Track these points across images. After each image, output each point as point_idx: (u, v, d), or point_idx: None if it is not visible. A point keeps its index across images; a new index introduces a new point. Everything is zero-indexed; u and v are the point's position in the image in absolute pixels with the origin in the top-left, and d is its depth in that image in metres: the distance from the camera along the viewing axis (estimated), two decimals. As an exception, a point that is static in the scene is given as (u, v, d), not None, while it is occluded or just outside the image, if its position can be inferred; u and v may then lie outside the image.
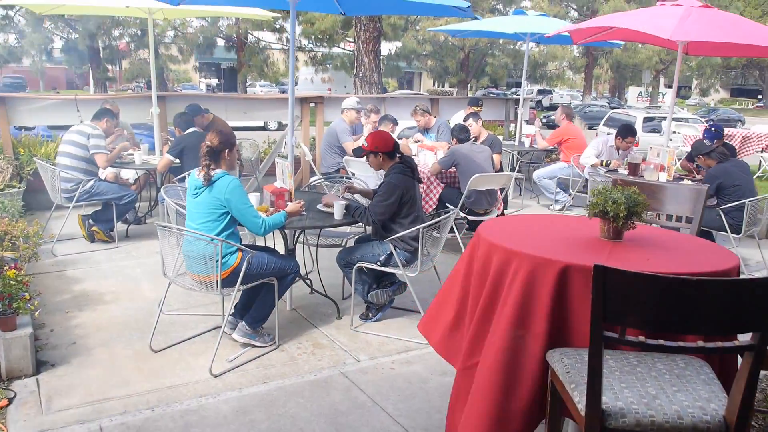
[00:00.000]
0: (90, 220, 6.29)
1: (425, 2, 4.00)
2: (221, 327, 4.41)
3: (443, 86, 45.03)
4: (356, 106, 7.13)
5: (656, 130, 18.05)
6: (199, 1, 5.26)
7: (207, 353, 4.07)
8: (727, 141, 7.79)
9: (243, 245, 3.96)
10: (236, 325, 4.20)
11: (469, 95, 34.17)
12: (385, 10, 4.76)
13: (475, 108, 8.53)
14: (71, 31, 25.84)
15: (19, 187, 6.67)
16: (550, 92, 43.75)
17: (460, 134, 6.22)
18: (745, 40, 5.88)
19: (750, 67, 51.27)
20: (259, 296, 4.19)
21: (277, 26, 30.26)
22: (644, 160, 6.85)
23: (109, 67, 30.86)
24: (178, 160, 6.14)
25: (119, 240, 6.38)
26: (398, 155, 4.61)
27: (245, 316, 4.15)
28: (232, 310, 4.28)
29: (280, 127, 20.76)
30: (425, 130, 7.86)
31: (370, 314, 4.70)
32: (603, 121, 18.70)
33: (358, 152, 4.65)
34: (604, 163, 7.20)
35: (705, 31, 5.94)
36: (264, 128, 21.08)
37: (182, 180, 6.18)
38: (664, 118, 18.70)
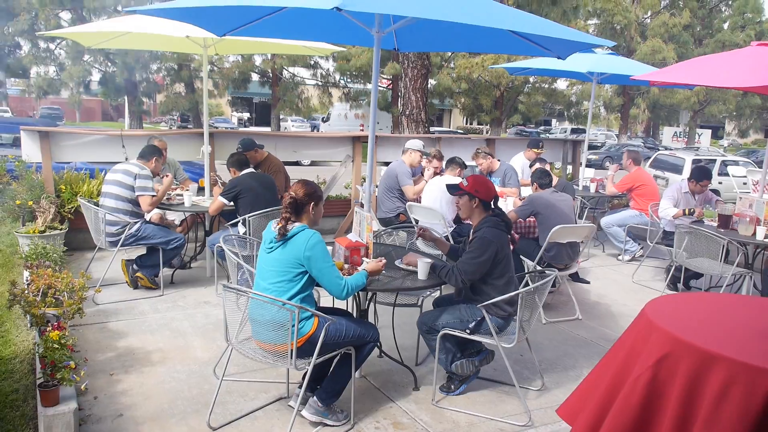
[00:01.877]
0: (134, 266, 5.83)
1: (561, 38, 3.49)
2: (285, 397, 3.91)
3: (478, 124, 44.67)
4: (421, 148, 6.64)
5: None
6: (261, 34, 4.82)
7: (273, 433, 3.52)
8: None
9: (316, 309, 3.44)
10: (304, 398, 3.65)
11: (503, 134, 33.76)
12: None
13: (536, 150, 8.01)
14: (110, 63, 26.00)
15: (61, 229, 6.24)
16: (583, 131, 43.14)
17: (542, 179, 5.67)
18: None
19: (787, 109, 50.20)
20: (333, 367, 3.65)
21: (312, 62, 30.31)
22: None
23: (145, 100, 31.05)
24: (232, 203, 5.68)
25: (164, 287, 5.90)
26: (495, 207, 4.08)
27: (318, 391, 3.60)
28: (301, 382, 3.75)
29: (312, 163, 20.35)
30: (489, 174, 7.33)
31: (453, 386, 4.12)
32: (649, 163, 18.07)
33: (452, 189, 4.13)
34: (687, 212, 6.59)
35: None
36: (297, 164, 20.75)
37: (234, 225, 5.73)
38: (712, 161, 18.04)
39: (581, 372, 4.57)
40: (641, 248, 8.03)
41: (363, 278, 3.51)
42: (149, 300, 5.65)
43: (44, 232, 6.01)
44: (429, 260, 3.91)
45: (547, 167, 6.65)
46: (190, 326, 5.09)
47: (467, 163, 7.71)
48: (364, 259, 3.85)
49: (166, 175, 6.17)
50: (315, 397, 3.57)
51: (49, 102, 39.11)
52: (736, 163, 18.58)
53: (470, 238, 4.01)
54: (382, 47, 4.30)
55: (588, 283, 6.74)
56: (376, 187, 6.99)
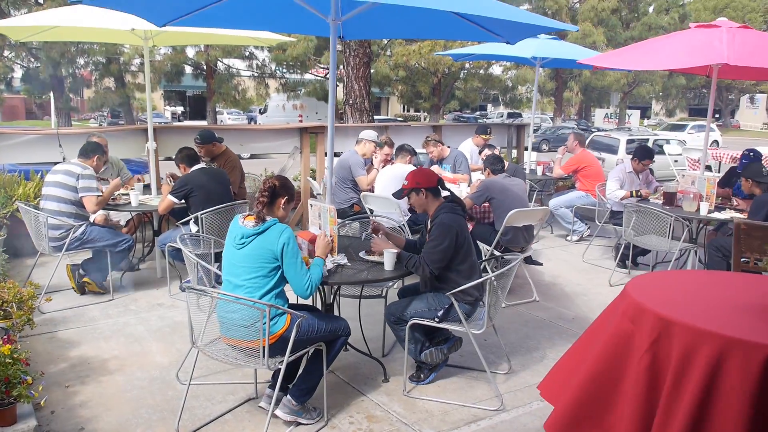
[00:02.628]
0: (81, 270, 5.57)
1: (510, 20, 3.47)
2: (254, 398, 3.82)
3: (415, 111, 44.86)
4: (375, 139, 6.58)
5: (637, 152, 17.89)
6: (204, 24, 4.64)
7: (245, 436, 3.43)
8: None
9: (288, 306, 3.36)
10: (272, 398, 3.56)
11: (441, 120, 34.01)
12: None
13: (484, 136, 8.08)
14: (32, 59, 24.80)
15: (1, 235, 5.90)
16: (519, 115, 43.93)
17: (495, 165, 5.71)
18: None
19: (708, 87, 52.51)
20: (305, 364, 3.58)
21: (247, 53, 29.72)
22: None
23: (72, 96, 29.79)
24: (183, 202, 5.49)
25: (113, 291, 5.66)
26: (445, 192, 4.07)
27: (291, 389, 3.52)
28: (271, 381, 3.67)
29: (252, 157, 19.94)
30: (439, 161, 7.35)
31: (422, 375, 4.10)
32: (585, 145, 18.55)
33: (398, 194, 4.09)
34: (634, 193, 6.77)
35: (751, 54, 5.60)
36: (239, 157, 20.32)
37: (185, 224, 5.54)
38: (645, 140, 18.68)
39: (545, 353, 4.64)
40: (588, 228, 8.23)
41: (321, 267, 3.44)
42: (99, 305, 5.42)
43: (-19, 239, 5.67)
44: (395, 250, 3.86)
45: (497, 152, 6.70)
46: (146, 330, 4.90)
47: (417, 150, 7.71)
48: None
49: (107, 179, 5.92)
50: (288, 396, 3.49)
51: (-34, 101, 37.06)
52: (667, 141, 19.29)
53: (429, 227, 3.99)
54: (325, 35, 4.21)
55: (541, 264, 6.86)
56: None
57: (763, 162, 6.62)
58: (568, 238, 8.20)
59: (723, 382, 1.75)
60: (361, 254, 4.09)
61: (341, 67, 12.09)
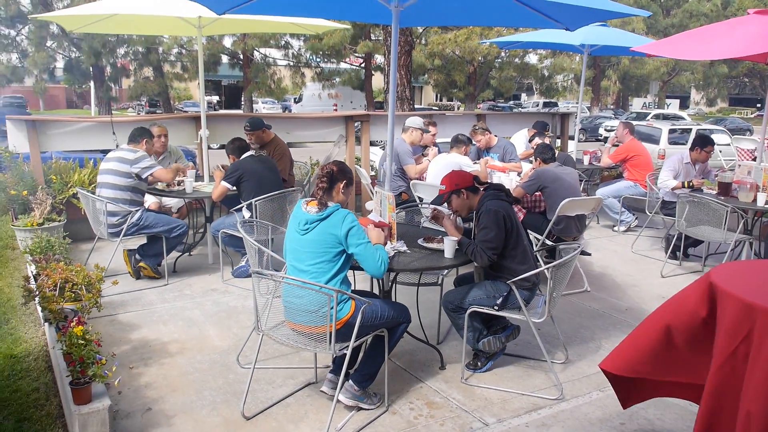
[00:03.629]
0: (137, 255, 5.69)
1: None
2: (314, 383, 3.87)
3: (449, 100, 44.62)
4: (422, 126, 6.57)
5: (678, 143, 17.55)
6: (261, 11, 4.67)
7: (307, 419, 3.48)
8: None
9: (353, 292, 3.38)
10: (334, 382, 3.61)
11: (476, 109, 33.75)
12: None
13: (546, 134, 7.96)
14: (74, 49, 25.25)
15: (59, 220, 6.05)
16: (555, 104, 43.39)
17: (545, 154, 5.65)
18: None
19: (750, 76, 51.16)
20: (367, 350, 3.61)
21: (283, 43, 29.86)
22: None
23: (111, 86, 30.29)
24: (235, 188, 5.56)
25: (168, 276, 5.77)
26: (482, 185, 4.07)
27: (353, 375, 3.55)
28: (332, 366, 3.71)
29: (290, 145, 20.10)
30: (486, 151, 7.30)
31: (479, 363, 4.10)
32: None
33: (437, 201, 4.08)
34: (686, 184, 6.64)
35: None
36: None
37: (239, 210, 5.61)
38: (688, 130, 18.28)
39: (600, 343, 4.60)
40: (636, 219, 8.11)
41: (384, 250, 3.46)
42: (155, 290, 5.53)
43: (43, 224, 5.82)
44: (455, 238, 3.86)
45: (548, 141, 6.63)
46: (202, 315, 4.99)
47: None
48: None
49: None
50: (351, 381, 3.52)
51: (10, 91, 37.95)
52: (711, 132, 18.85)
53: (476, 218, 3.98)
54: (386, 23, 4.19)
55: (590, 255, 6.78)
56: (372, 170, 6.91)
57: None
58: (615, 228, 8.10)
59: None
60: (420, 242, 4.09)
61: (380, 55, 12.11)
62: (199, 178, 6.42)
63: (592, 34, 7.73)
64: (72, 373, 3.14)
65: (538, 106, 43.04)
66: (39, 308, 3.97)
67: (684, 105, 54.24)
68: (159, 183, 5.92)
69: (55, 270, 3.84)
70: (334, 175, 3.42)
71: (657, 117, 28.93)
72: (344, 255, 3.31)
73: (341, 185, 3.43)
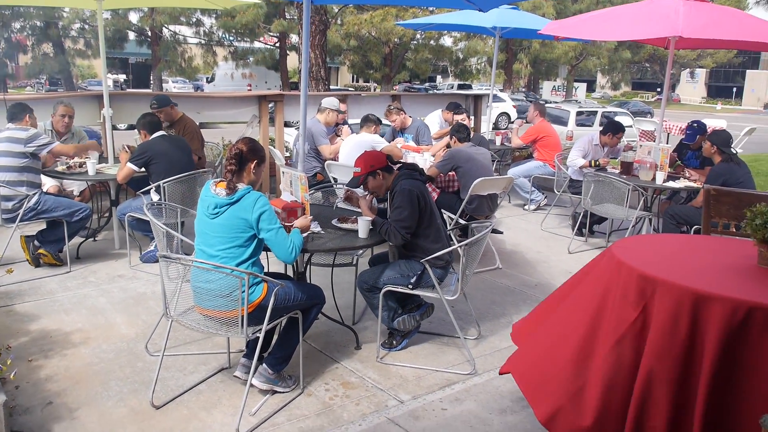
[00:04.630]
0: (35, 242, 5.36)
1: None
2: (227, 368, 3.79)
3: (365, 81, 44.54)
4: (337, 107, 6.50)
5: (585, 124, 18.30)
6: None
7: (221, 405, 3.41)
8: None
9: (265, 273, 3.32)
10: (248, 366, 3.54)
11: (393, 90, 33.85)
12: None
13: (457, 115, 8.04)
14: (-37, 22, 23.52)
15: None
16: (469, 86, 44.15)
17: (461, 133, 5.73)
18: (743, 37, 5.75)
19: (651, 62, 53.86)
20: (281, 332, 3.56)
21: (194, 20, 28.84)
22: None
23: (6, 62, 28.39)
24: (143, 170, 5.32)
25: (70, 263, 5.48)
26: (396, 164, 4.09)
27: (267, 358, 3.49)
28: (245, 350, 3.64)
29: (203, 126, 19.50)
30: (401, 131, 7.33)
31: (394, 342, 4.14)
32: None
33: (353, 183, 4.06)
34: (593, 163, 6.92)
35: (703, 26, 5.74)
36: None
37: (146, 193, 5.39)
38: (594, 113, 19.07)
39: (511, 318, 4.73)
40: (545, 197, 8.39)
41: (300, 237, 3.40)
42: (56, 278, 5.24)
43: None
44: (368, 218, 3.85)
45: (466, 121, 6.73)
46: (108, 302, 4.78)
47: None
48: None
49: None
50: (264, 365, 3.46)
51: None
52: (615, 114, 19.70)
53: (390, 197, 3.99)
54: (295, 0, 4.10)
55: (501, 233, 6.96)
56: (287, 151, 6.80)
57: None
58: (526, 207, 8.35)
59: (707, 337, 1.83)
60: (334, 222, 4.06)
61: (295, 35, 11.88)
62: (103, 159, 6.11)
63: (503, 16, 7.88)
64: (-39, 369, 2.93)
65: (453, 88, 43.57)
66: None
67: (591, 88, 56.47)
68: (59, 165, 5.59)
69: (-60, 259, 3.55)
70: (243, 155, 3.30)
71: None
72: (256, 239, 3.23)
73: (252, 165, 3.33)
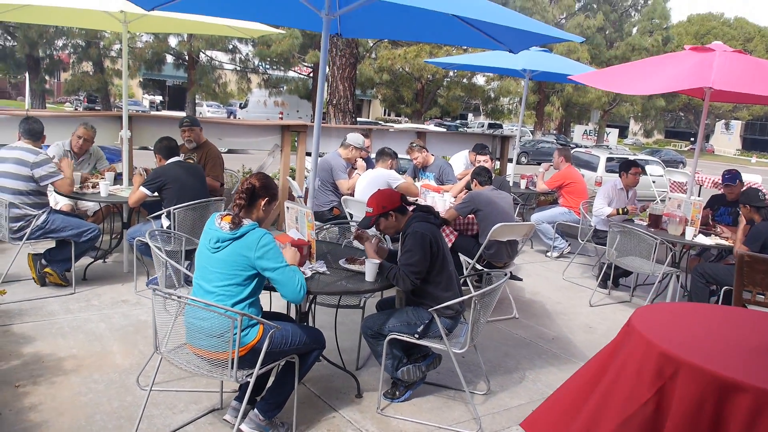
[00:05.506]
0: (42, 260, 5.27)
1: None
2: (218, 409, 3.60)
3: (396, 116, 44.81)
4: (362, 145, 6.38)
5: (615, 171, 17.96)
6: (192, 10, 4.41)
7: (207, 450, 3.21)
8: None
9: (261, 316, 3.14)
10: (238, 410, 3.34)
11: (421, 125, 33.92)
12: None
13: (481, 157, 7.88)
14: (9, 37, 24.15)
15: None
16: (500, 126, 44.09)
17: (481, 176, 5.55)
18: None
19: (686, 111, 53.40)
20: (276, 377, 3.36)
21: (230, 47, 29.37)
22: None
23: (47, 78, 29.13)
24: (155, 194, 5.23)
25: (76, 284, 5.37)
26: (411, 205, 3.92)
27: (259, 403, 3.30)
28: (237, 392, 3.45)
29: (229, 152, 19.62)
30: (422, 169, 7.18)
31: (397, 393, 3.91)
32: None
33: (365, 223, 3.90)
34: (621, 211, 6.67)
35: (738, 79, 5.54)
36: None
37: (156, 218, 5.29)
38: (625, 159, 18.75)
39: (524, 374, 4.48)
40: (569, 245, 8.13)
41: (301, 273, 3.22)
42: (59, 299, 5.13)
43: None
44: (377, 261, 3.67)
45: (488, 164, 6.56)
46: (107, 329, 4.64)
47: (401, 156, 7.56)
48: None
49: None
50: (256, 410, 3.27)
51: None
52: (646, 162, 19.37)
53: (401, 239, 3.81)
54: (319, 30, 4.01)
55: (521, 280, 6.72)
56: (307, 182, 6.68)
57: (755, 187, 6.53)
58: (548, 254, 8.09)
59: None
60: (341, 262, 3.89)
61: (328, 66, 11.89)
62: (119, 180, 6.04)
63: (534, 59, 7.75)
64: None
65: (483, 126, 43.61)
66: None
67: (623, 134, 56.09)
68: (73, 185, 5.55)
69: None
70: (255, 191, 3.17)
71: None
72: (256, 279, 3.06)
73: (262, 202, 3.19)
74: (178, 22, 6.07)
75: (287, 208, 3.98)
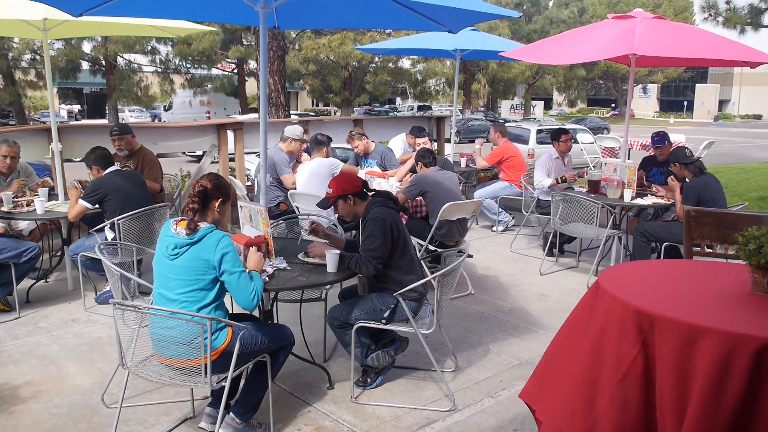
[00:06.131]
0: (-19, 287, 5.02)
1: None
2: (191, 417, 3.54)
3: (324, 105, 44.54)
4: (301, 137, 6.32)
5: (546, 142, 18.44)
6: (122, 13, 4.26)
7: (185, 461, 3.15)
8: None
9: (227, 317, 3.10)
10: (213, 416, 3.30)
11: (353, 114, 33.90)
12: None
13: (419, 139, 7.95)
14: None
15: None
16: (429, 108, 44.49)
17: (426, 158, 5.60)
18: (699, 54, 5.78)
19: (605, 78, 55.19)
20: (247, 378, 3.33)
21: (149, 48, 28.45)
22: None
23: (-46, 95, 27.51)
24: (96, 207, 5.05)
25: (20, 307, 5.14)
26: (371, 191, 3.94)
27: (234, 407, 3.26)
28: (210, 398, 3.39)
29: (160, 156, 19.12)
30: (364, 157, 7.18)
31: (369, 380, 3.94)
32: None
33: (323, 204, 3.90)
34: (560, 180, 6.87)
35: (661, 44, 5.78)
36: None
37: (100, 231, 5.11)
38: (555, 128, 19.24)
39: (488, 347, 4.58)
40: (513, 218, 8.32)
41: (260, 280, 3.19)
42: (4, 325, 4.90)
43: None
44: (337, 252, 3.67)
45: (428, 145, 6.62)
46: (61, 350, 4.47)
47: (343, 146, 7.54)
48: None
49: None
50: (231, 414, 3.23)
51: None
52: (575, 131, 19.93)
53: (361, 226, 3.83)
54: (254, 24, 3.94)
55: (471, 256, 6.84)
56: (248, 180, 6.58)
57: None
58: (494, 228, 8.26)
59: (727, 376, 1.69)
60: (300, 256, 3.87)
61: (253, 61, 11.72)
62: (53, 196, 5.80)
63: (464, 39, 7.83)
64: None
65: (413, 109, 43.92)
66: None
67: (548, 106, 57.55)
68: (4, 204, 5.29)
69: None
70: (208, 193, 3.10)
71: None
72: (219, 281, 3.01)
73: (216, 203, 3.13)
74: (99, 24, 5.84)
75: (240, 207, 3.93)
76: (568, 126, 22.11)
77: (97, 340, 4.64)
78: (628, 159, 7.32)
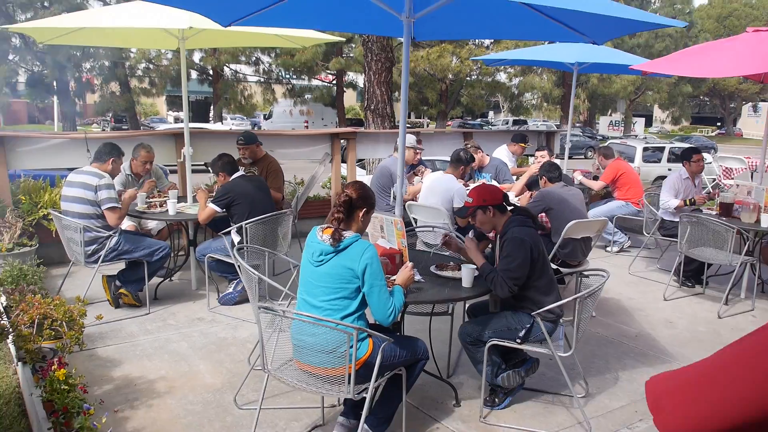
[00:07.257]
0: (116, 282, 5.27)
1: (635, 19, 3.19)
2: (320, 425, 3.54)
3: (417, 117, 44.69)
4: (415, 145, 6.31)
5: (651, 161, 17.67)
6: (268, 23, 4.37)
7: (319, 469, 3.14)
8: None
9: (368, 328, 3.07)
10: (347, 426, 3.28)
11: (447, 127, 33.80)
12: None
13: (522, 144, 7.83)
14: (38, 63, 24.48)
15: (31, 245, 5.59)
16: (524, 122, 43.76)
17: (551, 173, 5.44)
18: None
19: (711, 96, 52.54)
20: (383, 390, 3.29)
21: (253, 59, 29.50)
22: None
23: (77, 101, 29.45)
24: (224, 211, 5.21)
25: (149, 304, 5.36)
26: (510, 207, 3.82)
27: (368, 418, 3.22)
28: (342, 407, 3.38)
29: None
30: (478, 170, 7.07)
31: (497, 399, 3.82)
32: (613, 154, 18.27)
33: (462, 212, 3.82)
34: (688, 202, 6.50)
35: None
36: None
37: (227, 234, 5.25)
38: (660, 148, 18.41)
39: (617, 374, 4.36)
40: (628, 239, 7.97)
41: (402, 295, 3.15)
42: (136, 320, 5.12)
43: (12, 249, 5.36)
44: (473, 266, 3.59)
45: (555, 160, 6.44)
46: (190, 348, 4.61)
47: (443, 158, 7.45)
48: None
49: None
50: (366, 426, 3.19)
51: (-33, 105, 36.66)
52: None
53: (499, 243, 3.72)
54: (398, 36, 3.95)
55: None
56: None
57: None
58: (608, 249, 7.93)
59: None
60: (432, 269, 3.81)
61: (352, 72, 11.88)
62: (180, 199, 6.04)
63: (584, 52, 7.61)
64: (54, 426, 2.77)
65: (507, 123, 43.32)
66: (12, 347, 3.57)
67: (648, 123, 55.28)
68: (138, 203, 5.56)
69: (32, 304, 3.44)
70: (353, 203, 3.10)
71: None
72: (362, 292, 3.00)
73: (361, 213, 3.12)
74: (230, 34, 6.04)
75: (373, 217, 3.91)
76: (677, 144, 21.15)
77: (223, 340, 4.75)
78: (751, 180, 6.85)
